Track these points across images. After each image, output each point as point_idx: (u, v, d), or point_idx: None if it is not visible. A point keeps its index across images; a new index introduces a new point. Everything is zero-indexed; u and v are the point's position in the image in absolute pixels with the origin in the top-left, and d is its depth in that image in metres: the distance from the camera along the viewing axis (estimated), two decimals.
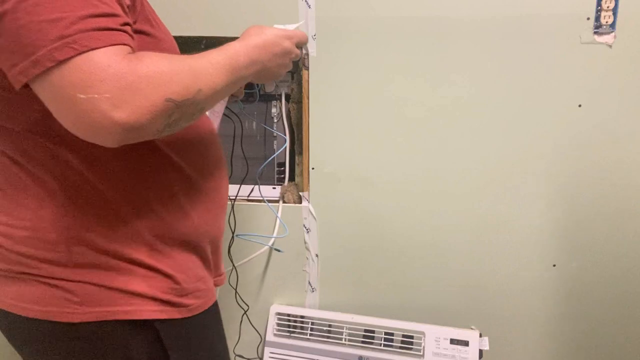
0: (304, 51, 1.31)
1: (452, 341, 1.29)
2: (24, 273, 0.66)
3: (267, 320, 1.42)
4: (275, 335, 1.40)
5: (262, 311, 1.44)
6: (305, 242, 1.41)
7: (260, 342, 1.44)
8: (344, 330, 1.35)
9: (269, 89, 1.40)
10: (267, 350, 1.40)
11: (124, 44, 0.56)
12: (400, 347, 1.31)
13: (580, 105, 1.24)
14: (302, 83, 1.34)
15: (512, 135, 1.28)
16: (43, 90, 0.54)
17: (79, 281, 0.66)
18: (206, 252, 0.79)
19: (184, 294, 0.72)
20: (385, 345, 1.32)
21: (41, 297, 0.65)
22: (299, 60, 1.33)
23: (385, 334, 1.33)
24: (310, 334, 1.38)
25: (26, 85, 0.55)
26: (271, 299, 1.45)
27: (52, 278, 0.65)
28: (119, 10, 0.57)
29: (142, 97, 0.54)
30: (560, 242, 1.31)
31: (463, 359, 1.28)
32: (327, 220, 1.39)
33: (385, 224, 1.37)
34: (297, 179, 1.43)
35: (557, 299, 1.34)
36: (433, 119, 1.30)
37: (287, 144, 1.40)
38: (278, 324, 1.41)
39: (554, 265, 1.33)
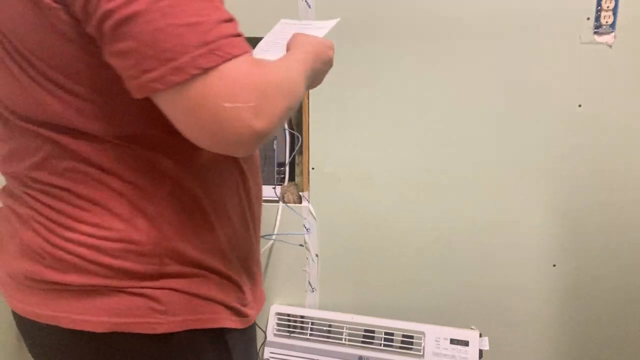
0: None
1: (452, 341, 1.29)
2: (104, 286, 0.60)
3: (267, 320, 1.42)
4: (275, 335, 1.40)
5: (262, 311, 1.44)
6: (305, 242, 1.41)
7: (261, 342, 1.44)
8: (344, 330, 1.36)
9: None
10: (267, 350, 1.40)
11: (249, 51, 0.54)
12: (400, 347, 1.31)
13: (580, 105, 1.24)
14: None
15: (513, 135, 1.28)
16: (176, 100, 0.51)
17: (164, 288, 0.61)
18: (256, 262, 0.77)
19: (245, 303, 0.71)
20: (385, 345, 1.32)
21: (120, 309, 0.60)
22: None
23: (385, 334, 1.33)
24: (310, 334, 1.38)
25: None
26: (271, 299, 1.45)
27: (136, 287, 0.60)
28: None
29: (274, 105, 0.53)
30: (560, 242, 1.31)
31: (463, 359, 1.28)
32: (327, 220, 1.39)
33: (385, 224, 1.37)
34: (297, 179, 1.43)
35: (557, 299, 1.34)
36: (432, 118, 1.30)
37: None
38: (278, 324, 1.41)
39: (554, 265, 1.33)
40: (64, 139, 0.58)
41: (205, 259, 0.64)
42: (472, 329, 1.34)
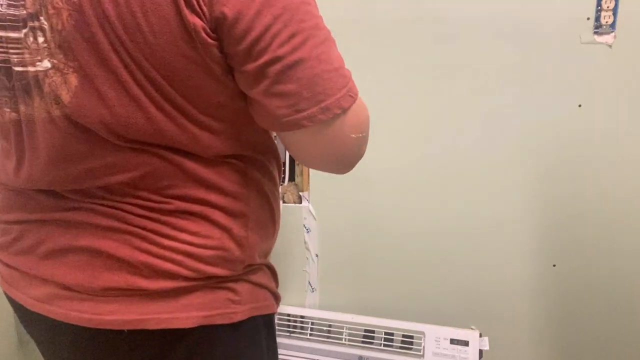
0: None
1: (452, 341, 1.29)
2: (190, 286, 0.63)
3: None
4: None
5: None
6: (305, 242, 1.41)
7: None
8: (344, 330, 1.35)
9: None
10: None
11: None
12: (400, 347, 1.31)
13: (580, 105, 1.24)
14: None
15: (513, 135, 1.28)
16: (317, 133, 0.59)
17: (239, 280, 0.67)
18: None
19: (276, 291, 0.78)
20: (385, 345, 1.32)
21: (204, 303, 0.63)
22: None
23: (385, 334, 1.33)
24: (310, 334, 1.38)
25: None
26: None
27: (219, 282, 0.65)
28: None
29: (367, 134, 0.66)
30: (560, 242, 1.31)
31: (463, 359, 1.28)
32: (327, 220, 1.39)
33: (385, 224, 1.37)
34: (297, 179, 1.43)
35: (557, 299, 1.34)
36: (432, 119, 1.30)
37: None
38: (278, 324, 1.41)
39: (554, 265, 1.33)
40: (173, 157, 0.60)
41: (264, 253, 0.73)
42: (472, 329, 1.34)
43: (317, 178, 1.38)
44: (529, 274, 1.34)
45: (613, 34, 1.20)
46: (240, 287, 0.67)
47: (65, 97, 0.56)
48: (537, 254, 1.33)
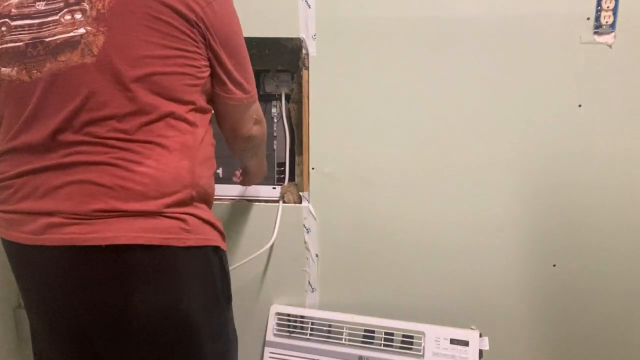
0: (304, 51, 1.32)
1: (452, 341, 1.29)
2: (152, 211, 0.82)
3: (267, 320, 1.42)
4: (275, 335, 1.40)
5: (262, 311, 1.44)
6: (305, 242, 1.41)
7: (261, 342, 1.44)
8: (344, 330, 1.35)
9: (269, 88, 1.41)
10: (267, 350, 1.40)
11: None
12: (400, 347, 1.31)
13: (580, 105, 1.24)
14: (302, 83, 1.34)
15: (513, 135, 1.28)
16: (241, 107, 0.99)
17: (188, 214, 0.86)
18: None
19: (221, 229, 0.97)
20: (385, 345, 1.32)
21: (162, 228, 0.83)
22: (299, 61, 1.34)
23: (385, 334, 1.33)
24: (310, 334, 1.38)
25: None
26: (271, 299, 1.45)
27: (172, 213, 0.84)
28: None
29: (262, 125, 1.09)
30: (560, 242, 1.31)
31: (463, 359, 1.28)
32: (327, 220, 1.39)
33: (385, 224, 1.37)
34: (297, 179, 1.43)
35: (557, 299, 1.34)
36: (433, 119, 1.30)
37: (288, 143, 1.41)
38: (278, 324, 1.41)
39: (554, 265, 1.33)
40: (154, 99, 0.83)
41: (205, 195, 0.91)
42: (472, 329, 1.34)
43: (317, 178, 1.38)
44: (529, 274, 1.34)
45: (613, 34, 1.20)
46: (190, 219, 0.87)
47: (95, 49, 0.82)
48: (537, 254, 1.33)
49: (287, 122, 1.41)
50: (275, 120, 1.43)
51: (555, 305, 1.35)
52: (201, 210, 0.90)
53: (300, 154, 1.40)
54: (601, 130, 1.25)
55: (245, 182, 1.33)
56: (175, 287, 0.86)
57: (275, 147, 1.44)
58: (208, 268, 0.91)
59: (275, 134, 1.43)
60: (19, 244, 0.85)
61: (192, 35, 0.86)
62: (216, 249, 0.93)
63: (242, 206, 1.43)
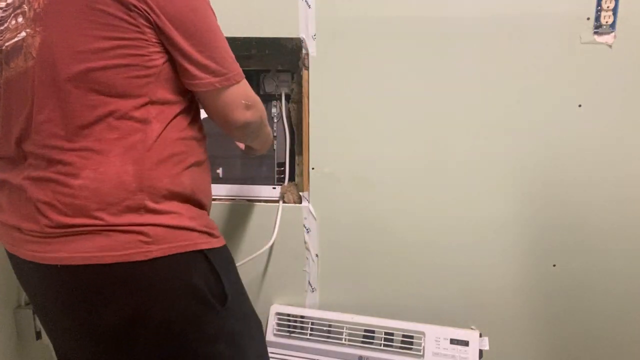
0: (304, 51, 1.31)
1: (452, 341, 1.29)
2: (101, 227, 0.78)
3: (267, 320, 1.42)
4: (275, 335, 1.40)
5: (262, 311, 1.44)
6: (305, 242, 1.41)
7: None
8: (344, 330, 1.35)
9: (269, 88, 1.41)
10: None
11: None
12: (400, 347, 1.31)
13: (580, 105, 1.24)
14: (302, 83, 1.34)
15: (512, 135, 1.28)
16: (219, 94, 0.87)
17: (147, 224, 0.80)
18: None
19: (212, 227, 0.91)
20: (385, 345, 1.32)
21: (118, 244, 0.78)
22: (299, 61, 1.34)
23: (385, 334, 1.33)
24: (310, 334, 1.38)
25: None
26: (271, 299, 1.45)
27: (126, 225, 0.79)
28: None
29: (257, 109, 0.95)
30: (560, 242, 1.31)
31: (463, 359, 1.28)
32: (327, 220, 1.39)
33: (385, 224, 1.37)
34: (297, 179, 1.43)
35: (557, 299, 1.34)
36: (433, 119, 1.30)
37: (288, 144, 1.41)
38: (278, 324, 1.41)
39: (554, 265, 1.33)
40: (90, 97, 0.78)
41: (179, 196, 0.84)
42: (472, 329, 1.34)
43: (317, 178, 1.38)
44: (529, 274, 1.34)
45: (613, 34, 1.20)
46: (151, 230, 0.80)
47: (34, 51, 0.79)
48: (537, 254, 1.33)
49: (287, 122, 1.41)
50: (275, 120, 1.43)
51: (555, 305, 1.35)
52: (169, 216, 0.83)
53: (300, 154, 1.40)
54: (601, 130, 1.25)
55: (249, 154, 1.23)
56: (140, 300, 0.81)
57: (275, 147, 1.44)
58: (185, 274, 0.84)
59: (275, 134, 1.43)
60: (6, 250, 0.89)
61: (131, 20, 0.77)
62: (199, 252, 0.86)
63: (242, 206, 1.43)
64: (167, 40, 0.81)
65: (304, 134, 1.37)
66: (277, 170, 1.45)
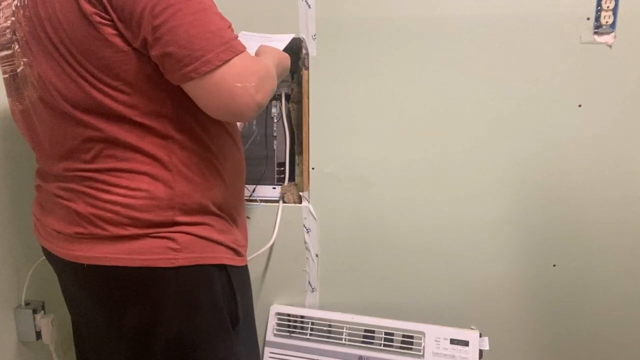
0: (304, 51, 1.32)
1: (452, 341, 1.29)
2: (133, 234, 0.79)
3: (267, 320, 1.42)
4: (275, 335, 1.40)
5: (262, 311, 1.44)
6: (305, 242, 1.41)
7: (261, 342, 1.44)
8: (344, 330, 1.36)
9: None
10: (267, 350, 1.40)
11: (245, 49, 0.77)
12: (400, 347, 1.31)
13: (580, 105, 1.24)
14: (302, 83, 1.34)
15: (512, 135, 1.28)
16: (204, 83, 0.73)
17: (178, 232, 0.81)
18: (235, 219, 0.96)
19: (240, 245, 0.91)
20: (385, 345, 1.32)
21: (145, 249, 0.79)
22: (299, 61, 1.34)
23: (385, 334, 1.33)
24: (310, 334, 1.38)
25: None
26: (271, 299, 1.45)
27: (157, 232, 0.80)
28: None
29: (268, 84, 0.78)
30: (560, 241, 1.31)
31: (463, 359, 1.28)
32: (327, 220, 1.39)
33: (385, 224, 1.37)
34: (297, 179, 1.43)
35: (557, 299, 1.34)
36: (433, 118, 1.30)
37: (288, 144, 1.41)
38: (278, 324, 1.41)
39: (554, 265, 1.33)
40: (106, 124, 0.77)
41: (210, 209, 0.84)
42: (472, 329, 1.34)
43: (317, 178, 1.38)
44: (529, 274, 1.34)
45: (613, 34, 1.20)
46: (181, 237, 0.81)
47: (34, 82, 0.79)
48: (537, 254, 1.33)
49: (287, 122, 1.41)
50: (275, 120, 1.43)
51: (555, 305, 1.35)
52: (199, 227, 0.83)
53: (300, 154, 1.40)
54: (601, 130, 1.25)
55: None
56: (160, 308, 0.82)
57: (275, 147, 1.44)
58: (206, 288, 0.84)
59: (275, 134, 1.43)
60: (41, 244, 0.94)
61: (108, 29, 0.72)
62: (222, 267, 0.86)
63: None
64: (130, 36, 0.73)
65: (304, 134, 1.37)
66: (277, 170, 1.45)
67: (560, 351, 1.37)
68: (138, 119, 0.77)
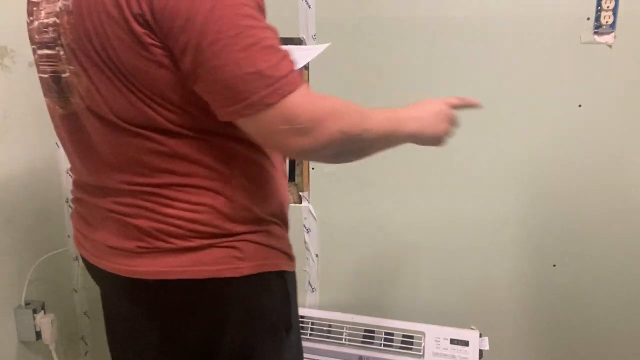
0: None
1: (452, 341, 1.29)
2: (198, 245, 0.78)
3: None
4: None
5: None
6: (305, 242, 1.41)
7: None
8: (344, 330, 1.35)
9: None
10: None
11: (303, 82, 0.70)
12: (400, 347, 1.31)
13: (580, 105, 1.24)
14: None
15: (512, 135, 1.28)
16: (249, 124, 0.70)
17: (242, 240, 0.80)
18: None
19: (291, 249, 0.91)
20: (385, 345, 1.32)
21: (212, 259, 0.78)
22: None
23: (385, 334, 1.33)
24: (310, 334, 1.38)
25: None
26: None
27: (221, 243, 0.79)
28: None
29: (324, 128, 0.69)
30: (560, 242, 1.31)
31: (463, 359, 1.28)
32: (327, 220, 1.39)
33: (385, 224, 1.37)
34: (297, 179, 1.43)
35: (557, 299, 1.34)
36: None
37: None
38: None
39: (554, 265, 1.33)
40: (161, 138, 0.75)
41: (267, 217, 0.84)
42: (472, 329, 1.34)
43: (317, 178, 1.38)
44: (529, 274, 1.34)
45: (613, 34, 1.20)
46: (244, 246, 0.80)
47: (81, 92, 0.76)
48: (537, 254, 1.33)
49: None
50: None
51: (555, 305, 1.35)
52: (259, 235, 0.83)
53: None
54: (601, 130, 1.25)
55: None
56: (225, 319, 0.82)
57: None
58: (266, 295, 0.85)
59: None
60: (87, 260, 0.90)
61: (154, 46, 0.69)
62: (280, 274, 0.86)
63: None
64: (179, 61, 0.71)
65: None
66: None
67: (560, 351, 1.37)
68: (196, 134, 0.76)
